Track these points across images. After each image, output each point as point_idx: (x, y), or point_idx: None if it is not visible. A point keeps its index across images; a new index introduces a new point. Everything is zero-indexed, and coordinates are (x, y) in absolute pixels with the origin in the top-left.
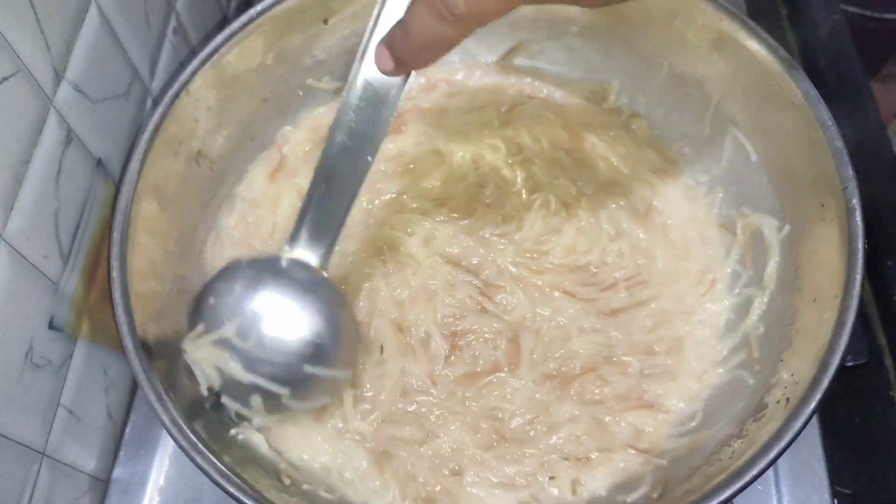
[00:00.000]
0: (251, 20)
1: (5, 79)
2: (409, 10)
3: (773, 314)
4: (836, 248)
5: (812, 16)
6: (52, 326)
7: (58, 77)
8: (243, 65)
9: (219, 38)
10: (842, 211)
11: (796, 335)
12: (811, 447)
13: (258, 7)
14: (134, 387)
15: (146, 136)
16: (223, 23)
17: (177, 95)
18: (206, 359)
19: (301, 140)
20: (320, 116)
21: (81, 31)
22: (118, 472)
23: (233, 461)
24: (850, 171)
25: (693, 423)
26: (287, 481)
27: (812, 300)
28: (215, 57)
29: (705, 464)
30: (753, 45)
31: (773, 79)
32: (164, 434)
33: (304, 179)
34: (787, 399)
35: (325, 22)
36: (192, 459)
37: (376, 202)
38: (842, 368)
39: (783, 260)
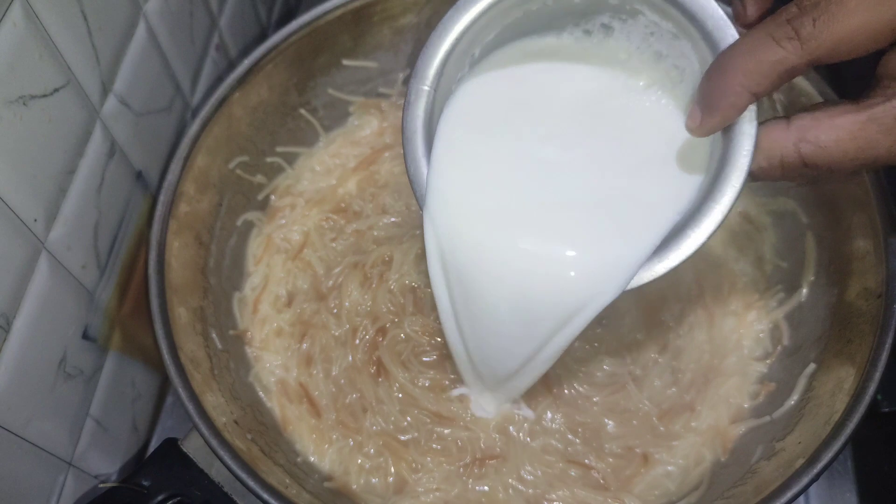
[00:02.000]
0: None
1: (56, 90)
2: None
3: None
4: None
5: None
6: (85, 336)
7: (105, 90)
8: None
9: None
10: None
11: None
12: (845, 494)
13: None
14: (160, 399)
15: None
16: (262, 37)
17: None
18: None
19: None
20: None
21: (130, 45)
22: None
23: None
24: None
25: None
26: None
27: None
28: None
29: None
30: None
31: None
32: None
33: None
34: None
35: None
36: (234, 473)
37: None
38: (877, 414)
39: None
